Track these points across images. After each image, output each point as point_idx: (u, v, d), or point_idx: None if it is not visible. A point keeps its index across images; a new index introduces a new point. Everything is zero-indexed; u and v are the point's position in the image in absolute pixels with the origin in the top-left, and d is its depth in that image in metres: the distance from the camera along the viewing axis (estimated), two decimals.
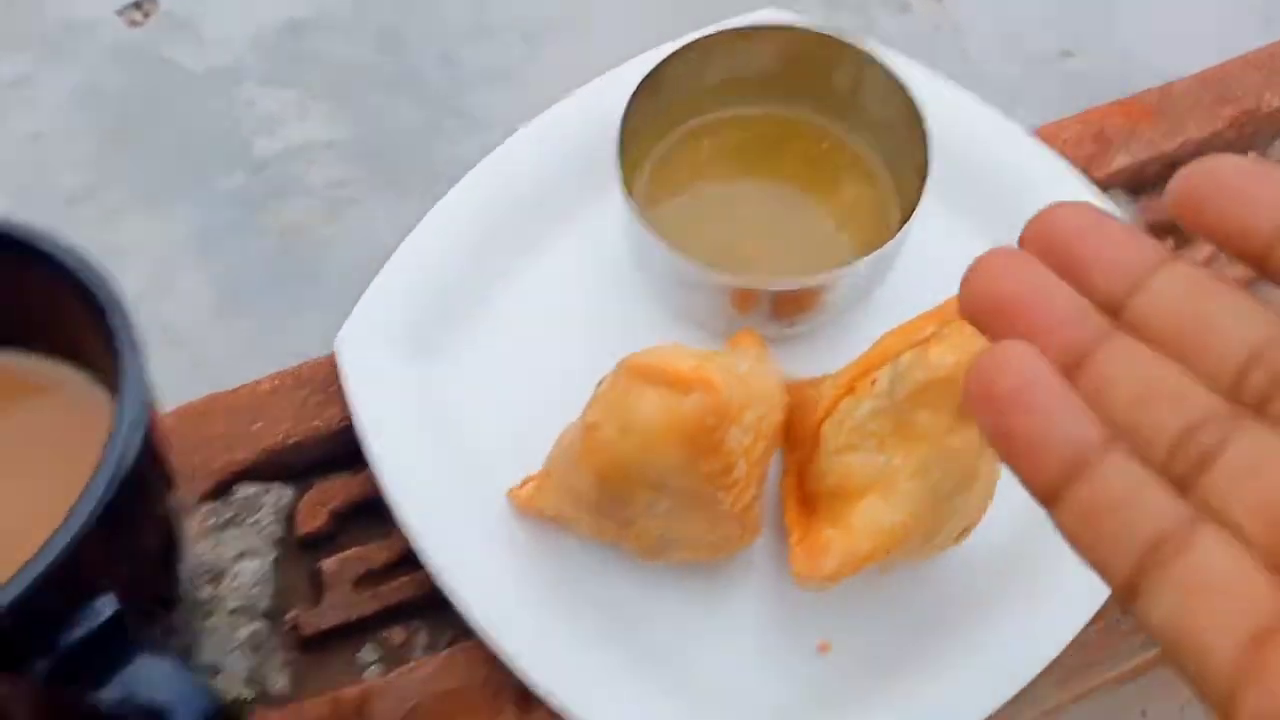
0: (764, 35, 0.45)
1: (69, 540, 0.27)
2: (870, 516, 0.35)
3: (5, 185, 1.53)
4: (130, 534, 0.30)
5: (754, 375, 0.37)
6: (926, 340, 0.36)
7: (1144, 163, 0.51)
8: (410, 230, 0.46)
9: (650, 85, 0.43)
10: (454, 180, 0.47)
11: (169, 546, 0.34)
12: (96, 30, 1.71)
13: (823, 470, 0.37)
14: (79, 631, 0.28)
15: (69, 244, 0.30)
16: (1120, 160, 0.51)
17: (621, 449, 0.36)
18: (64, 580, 0.27)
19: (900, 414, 0.36)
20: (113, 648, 0.28)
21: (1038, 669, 0.40)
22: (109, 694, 0.28)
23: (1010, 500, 0.37)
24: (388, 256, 0.45)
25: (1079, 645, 0.39)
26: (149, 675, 0.28)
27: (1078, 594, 0.40)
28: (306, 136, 1.66)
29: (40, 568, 0.26)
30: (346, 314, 0.44)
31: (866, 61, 0.44)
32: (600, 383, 0.38)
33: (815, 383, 0.40)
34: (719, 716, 0.38)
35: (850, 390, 0.37)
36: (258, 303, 1.55)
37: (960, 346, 0.35)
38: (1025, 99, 1.58)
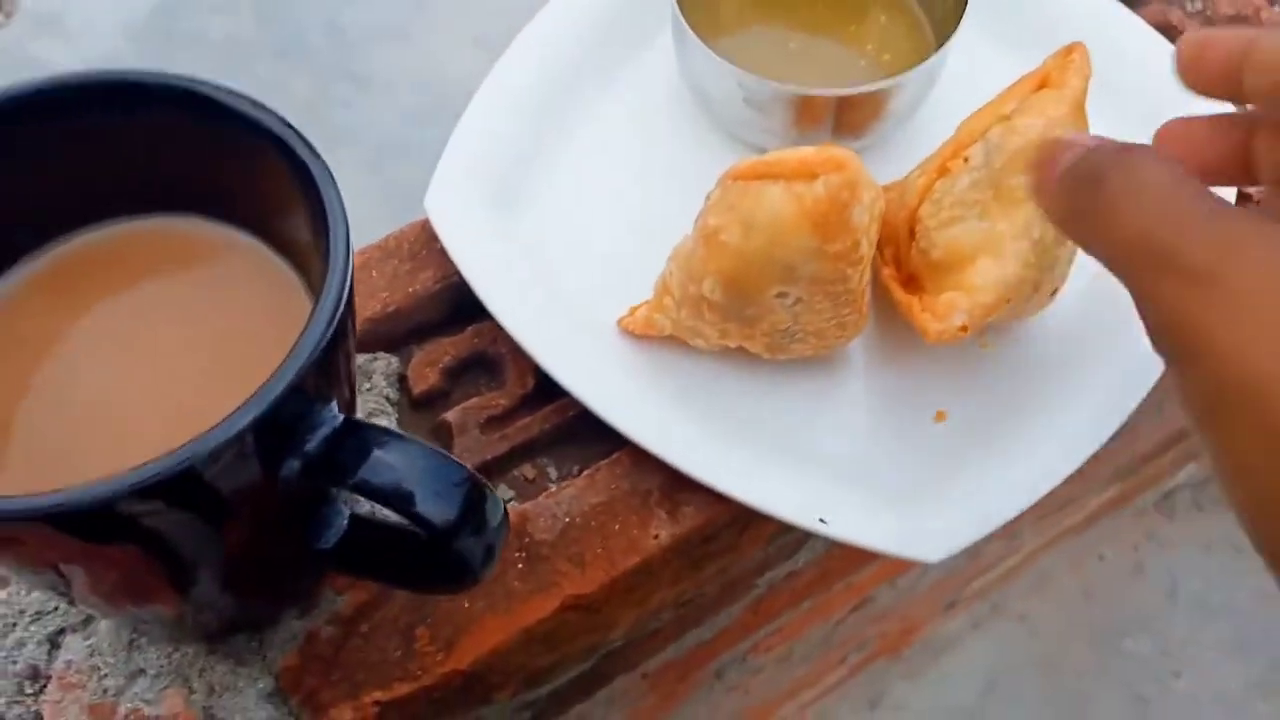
0: None
1: (305, 358, 0.28)
2: (987, 274, 0.39)
3: None
4: (339, 365, 0.31)
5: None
6: (1010, 115, 0.39)
7: None
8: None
9: None
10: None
11: (353, 389, 0.35)
12: None
13: (925, 248, 0.41)
14: (321, 433, 0.29)
15: (279, 115, 0.31)
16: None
17: (749, 247, 0.38)
18: (302, 392, 0.28)
19: (998, 181, 0.39)
20: (353, 443, 0.30)
21: (1116, 425, 0.43)
22: (359, 480, 0.29)
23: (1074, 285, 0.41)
24: None
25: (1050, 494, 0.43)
26: (393, 460, 0.30)
27: (1138, 367, 0.44)
28: None
29: (285, 380, 0.27)
30: None
31: None
32: (709, 195, 0.40)
33: (892, 186, 0.43)
34: (855, 489, 0.41)
35: (944, 172, 0.40)
36: None
37: (1043, 112, 0.39)
38: None
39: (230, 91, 0.31)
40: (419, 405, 0.45)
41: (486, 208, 0.45)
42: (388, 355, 0.45)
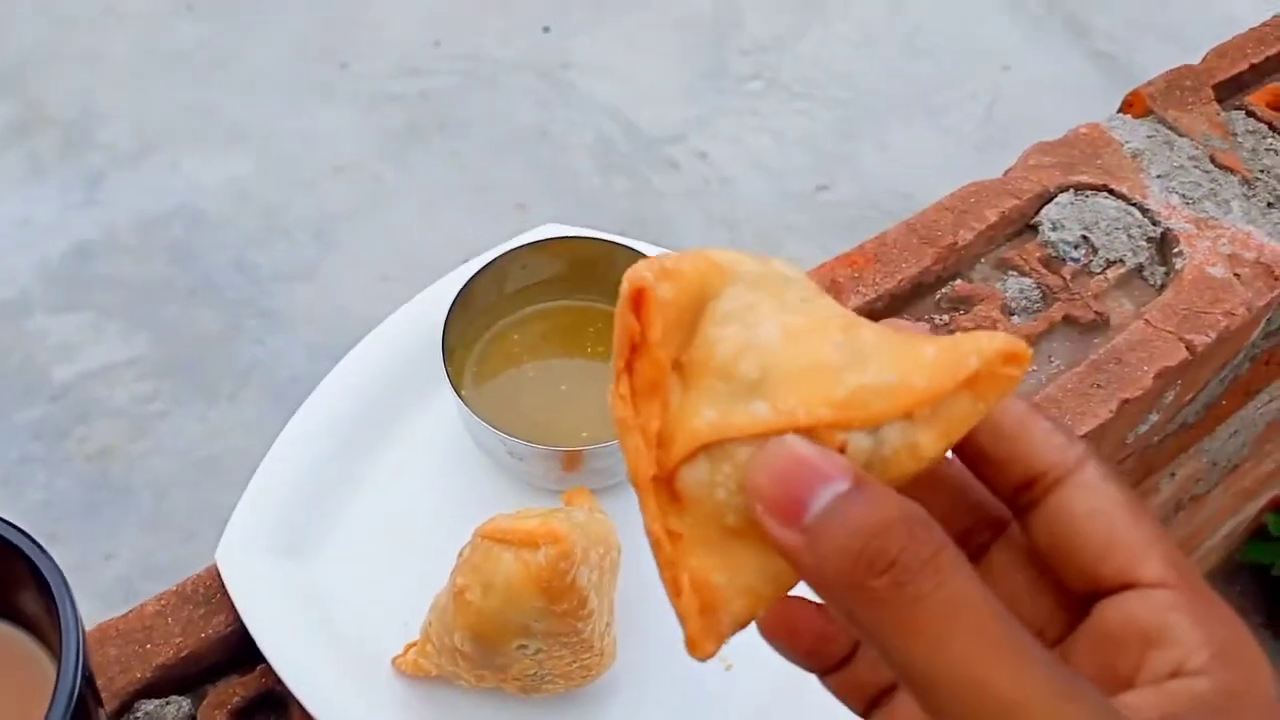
0: (551, 246, 0.55)
1: None
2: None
3: None
4: None
5: (591, 522, 0.45)
6: (913, 414, 0.26)
7: (872, 300, 0.62)
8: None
9: (461, 301, 0.52)
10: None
11: None
12: None
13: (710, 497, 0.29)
14: None
15: (14, 525, 0.36)
16: (854, 301, 0.62)
17: (489, 606, 0.42)
18: None
19: None
20: None
21: None
22: None
23: None
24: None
25: None
26: None
27: None
28: (105, 358, 1.66)
29: None
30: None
31: (635, 255, 0.54)
32: (461, 551, 0.45)
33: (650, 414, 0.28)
34: None
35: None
36: (76, 531, 1.53)
37: (949, 435, 0.27)
38: (793, 231, 1.77)
39: None
40: None
41: (275, 556, 0.49)
42: (180, 698, 0.48)
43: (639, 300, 0.26)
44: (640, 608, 0.49)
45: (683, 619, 0.27)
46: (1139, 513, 0.26)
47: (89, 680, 0.34)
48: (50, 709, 0.33)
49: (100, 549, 1.59)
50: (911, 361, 0.26)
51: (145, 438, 1.59)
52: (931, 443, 0.26)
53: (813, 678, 0.38)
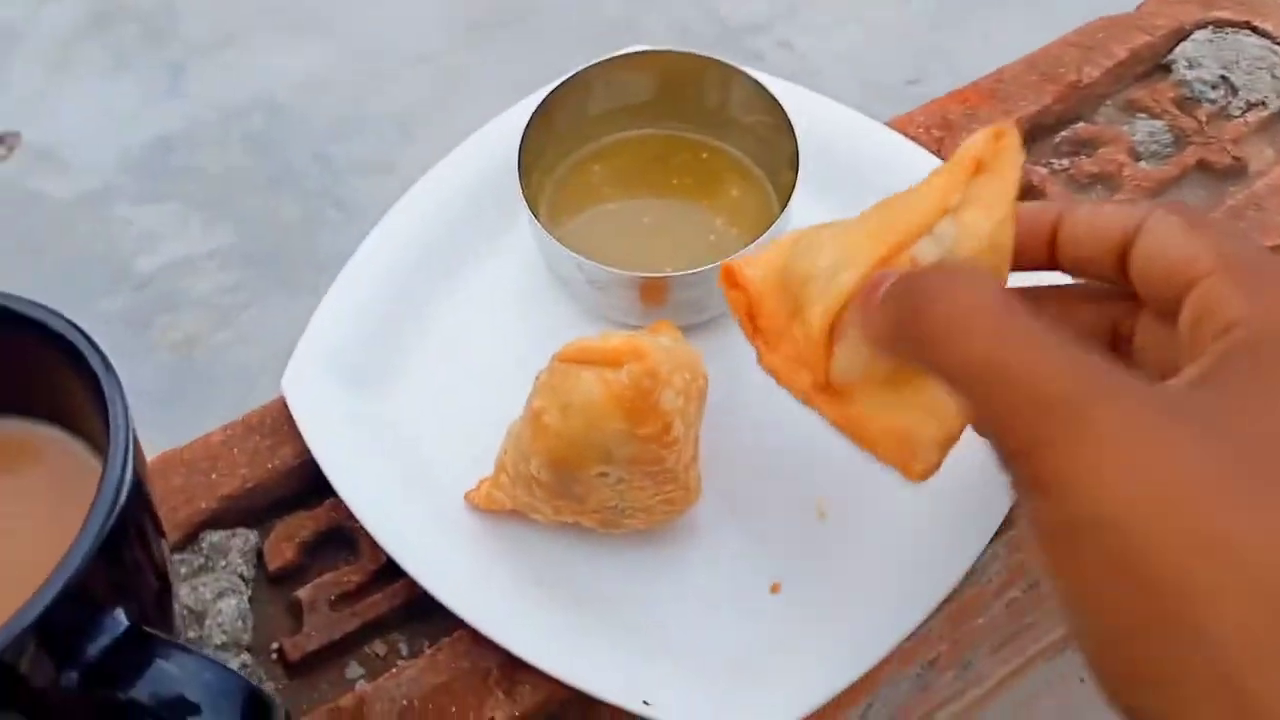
0: (638, 62, 0.50)
1: (77, 564, 0.29)
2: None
3: None
4: (130, 566, 0.32)
5: (677, 347, 0.41)
6: (956, 207, 0.33)
7: None
8: (302, 326, 0.48)
9: (540, 120, 0.48)
10: (340, 268, 0.51)
11: (163, 587, 0.36)
12: None
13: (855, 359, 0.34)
14: (101, 641, 0.31)
15: (60, 314, 0.33)
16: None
17: (568, 429, 0.39)
18: (78, 599, 0.29)
19: None
20: (135, 653, 0.31)
21: (950, 585, 0.43)
22: (139, 692, 0.30)
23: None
24: (287, 354, 0.48)
25: (1011, 608, 0.43)
26: (175, 672, 0.31)
27: (977, 520, 0.44)
28: (189, 248, 1.67)
29: (56, 588, 0.29)
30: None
31: (733, 75, 0.49)
32: (538, 376, 0.42)
33: (794, 278, 0.35)
34: (691, 666, 0.42)
35: (885, 265, 0.33)
36: (161, 421, 1.54)
37: (989, 211, 0.33)
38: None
39: (21, 299, 0.33)
40: (275, 581, 0.46)
41: (342, 387, 0.47)
42: (246, 531, 0.46)
43: (732, 278, 0.37)
44: (724, 447, 0.46)
45: (894, 463, 0.33)
46: (1193, 226, 0.30)
47: (139, 490, 0.32)
48: (89, 513, 0.30)
49: (184, 437, 1.61)
50: (929, 183, 0.34)
51: (228, 327, 1.60)
52: (980, 218, 0.33)
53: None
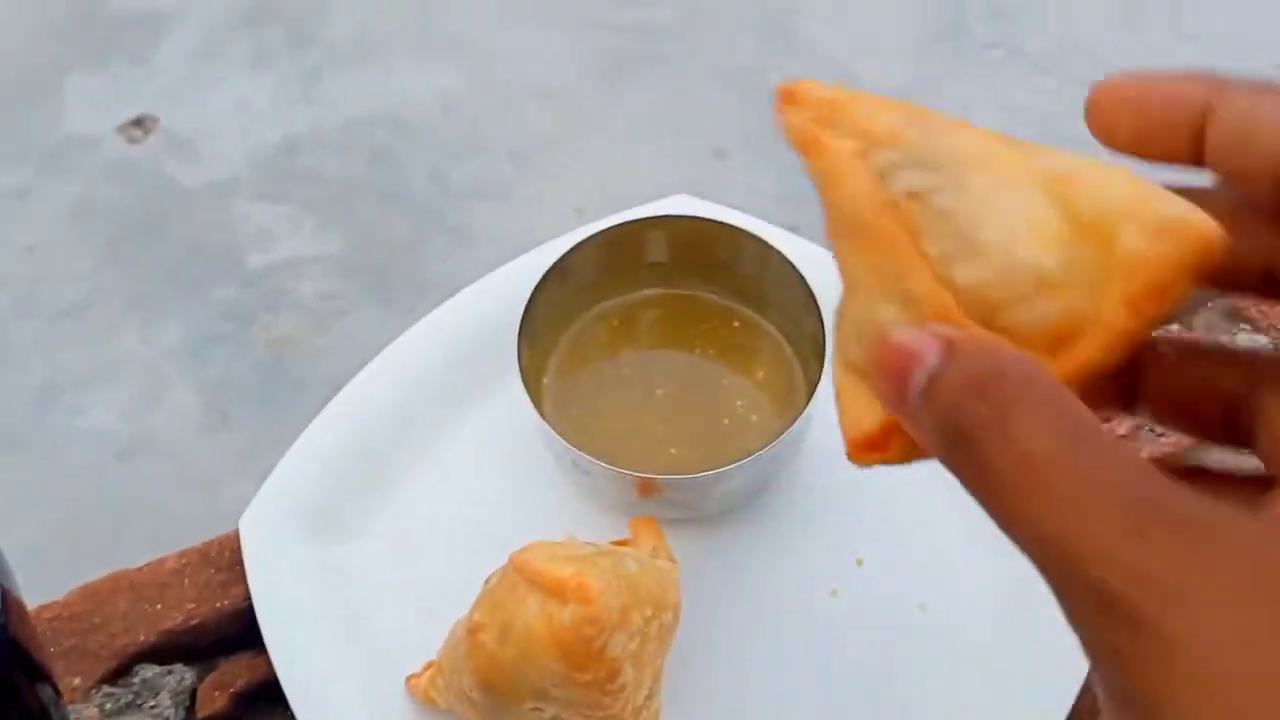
0: (670, 224, 0.46)
1: None
2: None
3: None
4: None
5: (644, 573, 0.37)
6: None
7: None
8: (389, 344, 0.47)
9: (556, 274, 0.44)
10: (442, 294, 0.49)
11: None
12: (97, 146, 1.76)
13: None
14: None
15: None
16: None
17: (503, 655, 0.36)
18: None
19: None
20: None
21: None
22: None
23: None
24: None
25: None
26: None
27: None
28: (298, 250, 1.69)
29: None
30: None
31: (765, 247, 0.45)
32: (489, 578, 0.38)
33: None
34: None
35: None
36: (246, 416, 1.56)
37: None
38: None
39: None
40: None
41: (303, 536, 0.44)
42: (184, 669, 0.44)
43: (793, 97, 0.23)
44: (695, 674, 0.41)
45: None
46: None
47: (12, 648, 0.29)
48: None
49: (268, 435, 1.63)
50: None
51: (324, 334, 1.61)
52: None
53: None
